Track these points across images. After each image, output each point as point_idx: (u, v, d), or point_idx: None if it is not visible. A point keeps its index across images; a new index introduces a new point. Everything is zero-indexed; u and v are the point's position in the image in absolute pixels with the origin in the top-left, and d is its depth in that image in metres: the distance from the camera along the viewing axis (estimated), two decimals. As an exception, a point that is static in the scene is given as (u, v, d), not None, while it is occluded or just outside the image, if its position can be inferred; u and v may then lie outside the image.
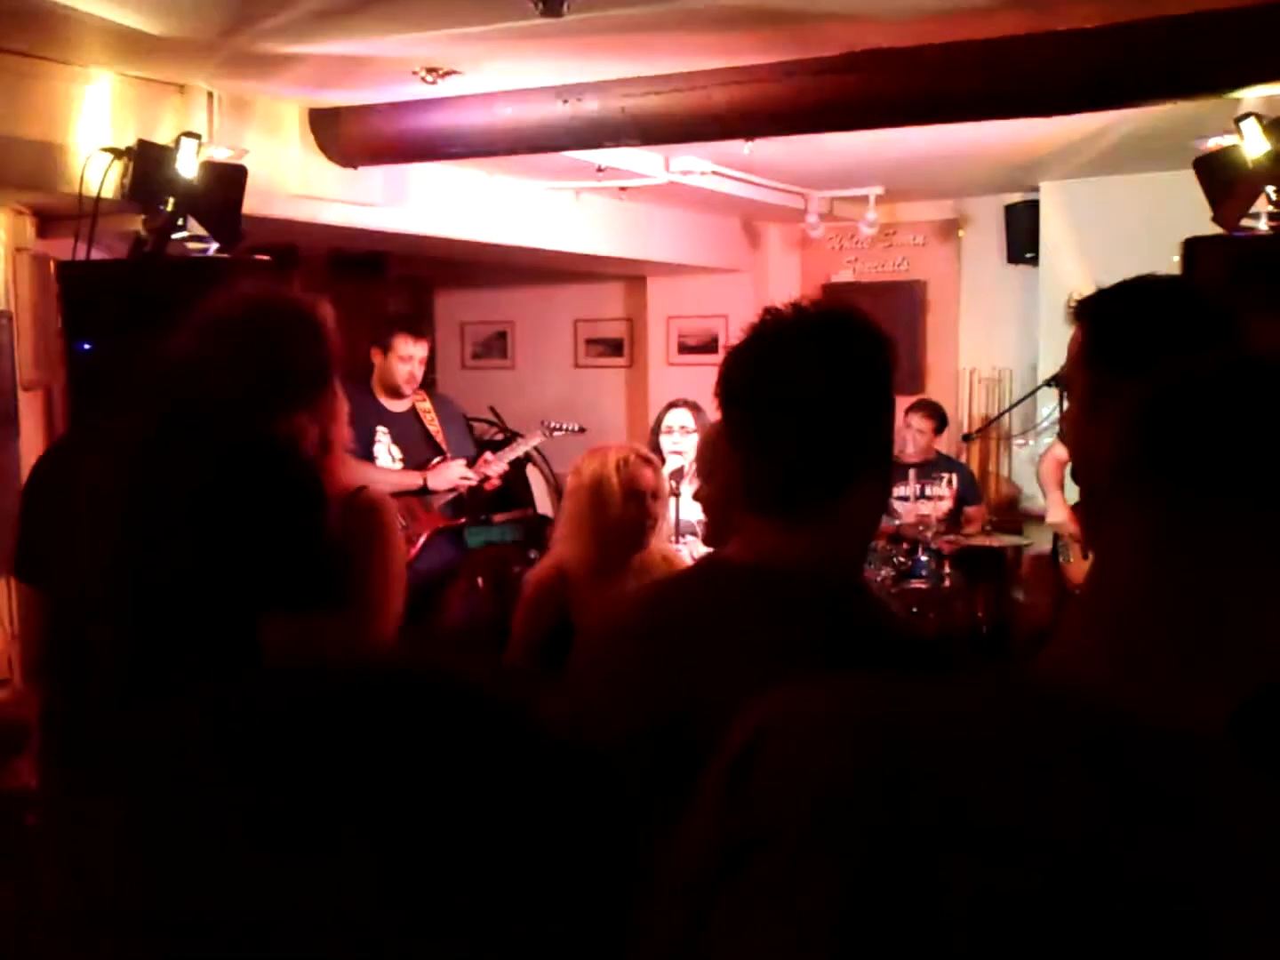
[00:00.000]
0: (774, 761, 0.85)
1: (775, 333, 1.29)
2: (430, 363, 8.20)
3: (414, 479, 4.37)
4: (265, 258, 3.64)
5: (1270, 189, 3.32)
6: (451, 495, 4.49)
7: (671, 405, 4.11)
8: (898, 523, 5.08)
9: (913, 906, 0.74)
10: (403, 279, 7.82)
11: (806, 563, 1.25)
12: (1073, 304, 1.53)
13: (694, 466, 3.57)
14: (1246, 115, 3.32)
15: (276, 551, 1.57)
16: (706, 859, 0.86)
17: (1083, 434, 1.47)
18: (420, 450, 4.47)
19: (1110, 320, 1.46)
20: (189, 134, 3.41)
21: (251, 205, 3.73)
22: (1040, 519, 5.29)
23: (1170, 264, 3.30)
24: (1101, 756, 0.78)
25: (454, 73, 3.69)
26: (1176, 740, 0.79)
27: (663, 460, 4.00)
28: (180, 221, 3.47)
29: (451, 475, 4.43)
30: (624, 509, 2.85)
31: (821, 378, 1.24)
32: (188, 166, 3.40)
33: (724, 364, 1.31)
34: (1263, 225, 3.40)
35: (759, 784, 0.85)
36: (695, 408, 4.04)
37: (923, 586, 4.88)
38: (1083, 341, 1.48)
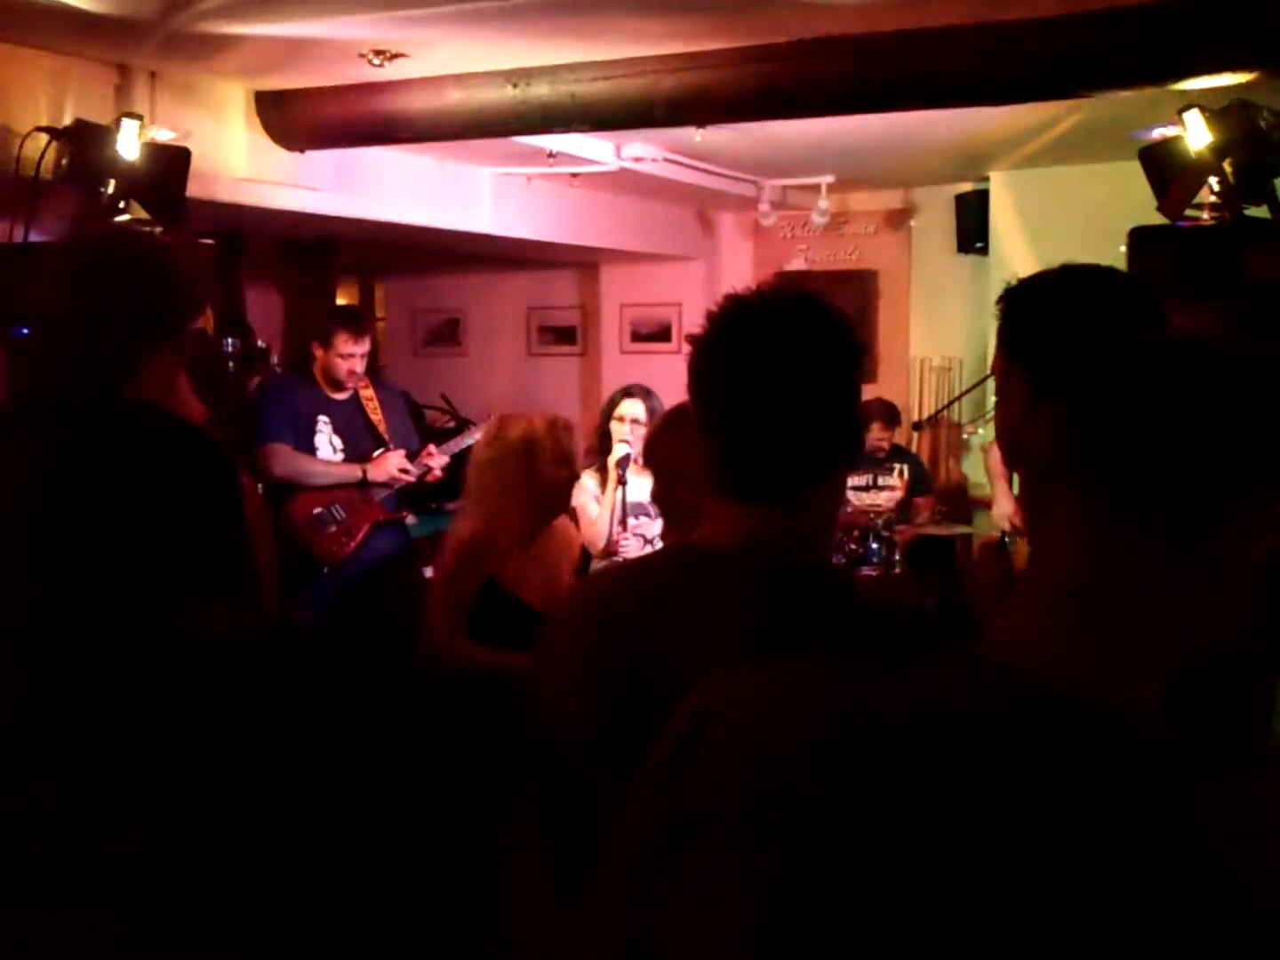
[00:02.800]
0: (718, 740, 0.85)
1: (748, 318, 1.29)
2: (381, 350, 8.16)
3: (353, 471, 4.32)
4: (209, 242, 3.58)
5: (1213, 180, 3.37)
6: (392, 488, 4.45)
7: (626, 394, 4.08)
8: (850, 511, 5.11)
9: (859, 887, 0.75)
10: (353, 265, 7.74)
11: (780, 546, 1.25)
12: None
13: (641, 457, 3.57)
14: (1189, 107, 3.36)
15: (196, 536, 1.50)
16: (650, 837, 0.85)
17: (1001, 421, 1.50)
18: (362, 440, 4.41)
19: (1013, 311, 1.50)
20: (130, 114, 3.35)
21: (196, 189, 3.68)
22: (989, 507, 5.34)
23: (1117, 253, 3.34)
24: (1043, 736, 0.79)
25: (401, 55, 3.65)
26: (1113, 718, 0.80)
27: (610, 447, 3.99)
28: (121, 204, 3.40)
29: (390, 468, 4.38)
30: (555, 471, 2.88)
31: (802, 363, 1.25)
32: (129, 148, 3.34)
33: (695, 349, 1.30)
34: (1206, 215, 3.44)
35: (702, 762, 0.84)
36: (648, 395, 4.01)
37: (873, 574, 4.92)
38: (997, 330, 1.52)
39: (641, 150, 4.97)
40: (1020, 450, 1.46)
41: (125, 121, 3.35)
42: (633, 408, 4.00)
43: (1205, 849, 0.76)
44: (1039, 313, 1.47)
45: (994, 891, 0.74)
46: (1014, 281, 1.53)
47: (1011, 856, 0.74)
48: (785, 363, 1.25)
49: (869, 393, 5.83)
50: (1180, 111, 3.39)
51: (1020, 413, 1.44)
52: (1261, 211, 3.39)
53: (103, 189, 3.35)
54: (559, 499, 2.96)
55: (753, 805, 0.80)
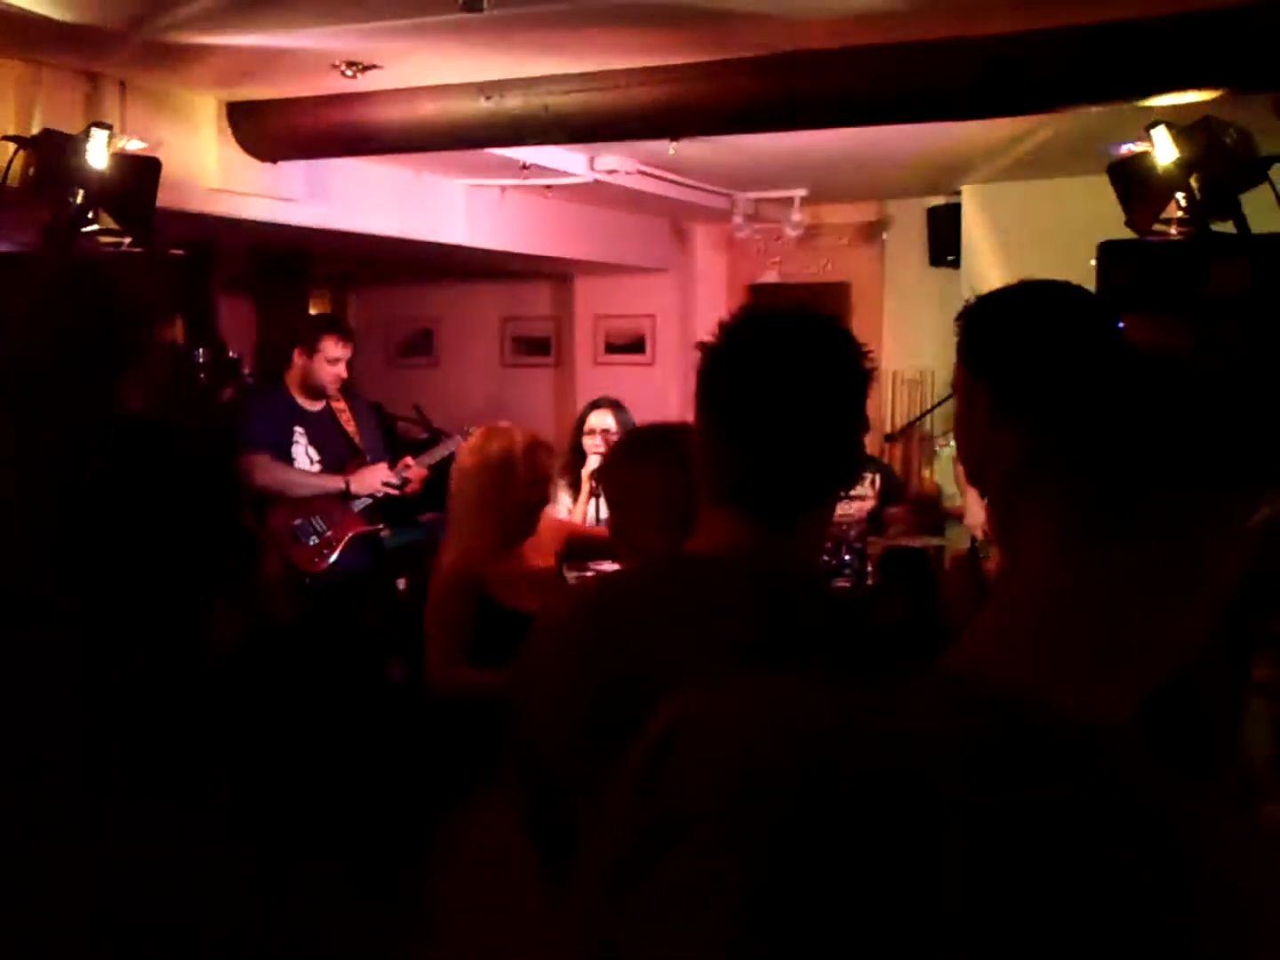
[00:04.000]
0: (691, 750, 0.84)
1: (769, 332, 1.28)
2: (353, 361, 8.15)
3: (336, 483, 4.32)
4: (179, 252, 3.56)
5: (1180, 195, 3.40)
6: (372, 500, 4.45)
7: (594, 405, 4.12)
8: (822, 522, 5.11)
9: (831, 895, 0.74)
10: (326, 276, 7.71)
11: (777, 559, 1.25)
12: None
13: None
14: (1157, 123, 3.39)
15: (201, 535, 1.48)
16: (622, 845, 0.85)
17: (961, 433, 1.50)
18: (338, 451, 4.42)
19: (974, 326, 1.50)
20: (99, 124, 3.32)
21: (167, 199, 3.65)
22: (961, 518, 5.36)
23: (1087, 267, 3.37)
24: (1020, 752, 0.79)
25: (375, 67, 3.65)
26: (1086, 732, 0.80)
27: (584, 459, 4.01)
28: (90, 214, 3.37)
29: (374, 481, 4.39)
30: (527, 492, 2.86)
31: (821, 382, 1.25)
32: (98, 158, 3.31)
33: (709, 357, 1.29)
34: (1173, 230, 3.47)
35: (674, 772, 0.84)
36: (618, 407, 4.05)
37: (846, 585, 4.92)
38: (957, 345, 1.52)
39: (615, 163, 4.98)
40: (984, 464, 1.47)
41: (94, 131, 3.32)
42: (602, 419, 4.03)
43: (1182, 863, 0.76)
44: (1000, 328, 1.48)
45: (971, 904, 0.74)
46: (972, 298, 1.54)
47: (987, 870, 0.74)
48: (805, 380, 1.25)
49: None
50: (1148, 128, 3.42)
51: (983, 427, 1.44)
52: (1227, 227, 3.43)
53: (71, 199, 3.32)
54: (528, 520, 2.94)
55: (728, 814, 0.80)
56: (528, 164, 4.81)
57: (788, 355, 1.26)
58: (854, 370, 1.28)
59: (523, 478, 2.87)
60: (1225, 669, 1.51)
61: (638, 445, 2.05)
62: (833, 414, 1.26)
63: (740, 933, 0.76)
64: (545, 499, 2.95)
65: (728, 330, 1.29)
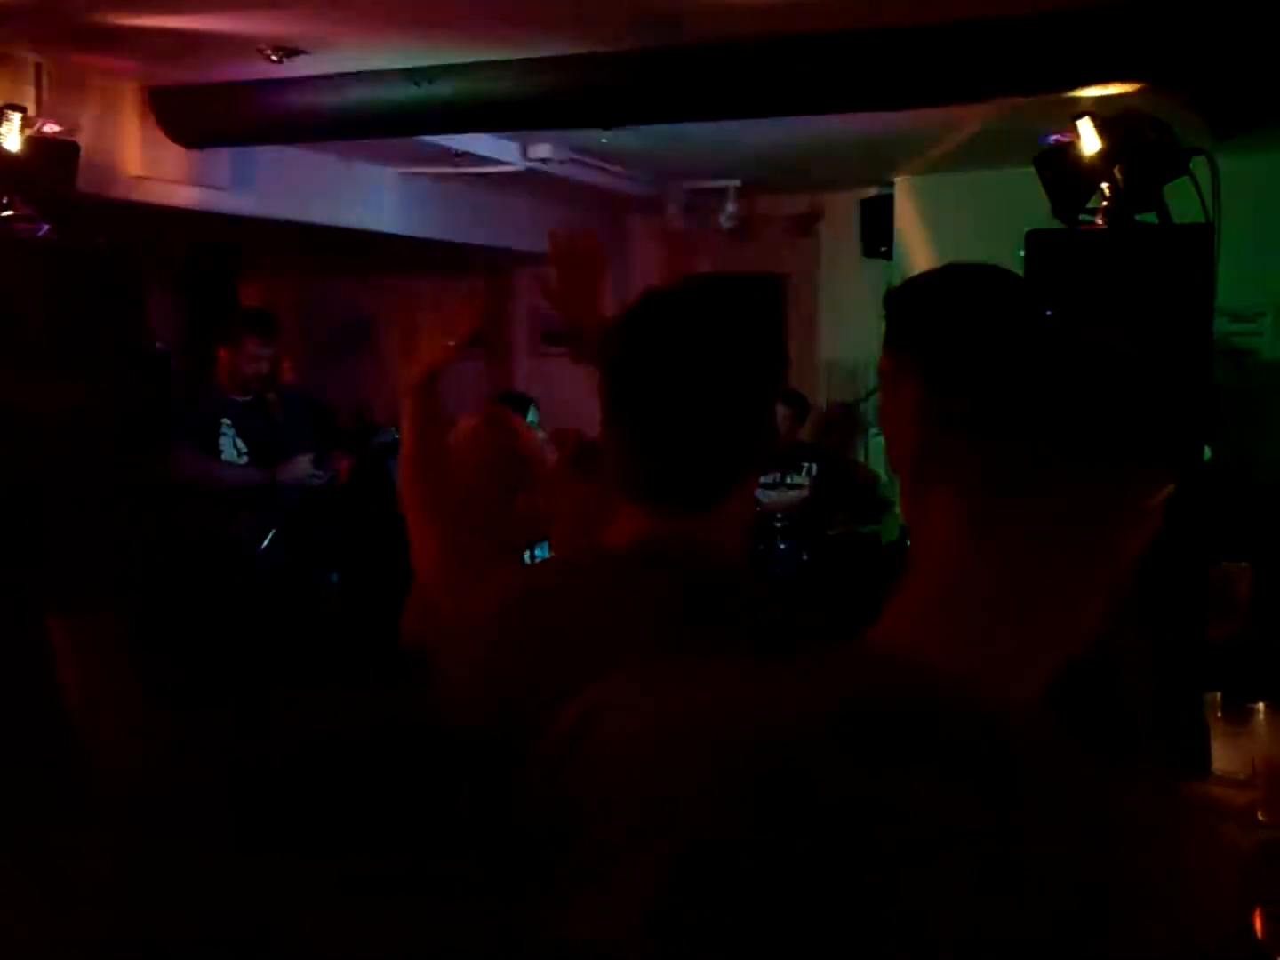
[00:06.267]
0: (604, 737, 0.83)
1: (665, 315, 1.25)
2: (286, 352, 8.04)
3: (261, 475, 4.26)
4: (102, 240, 3.48)
5: (1105, 185, 3.45)
6: (300, 491, 4.39)
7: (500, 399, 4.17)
8: (758, 510, 5.14)
9: (740, 884, 0.74)
10: (259, 268, 7.59)
11: (690, 549, 1.23)
12: None
13: None
14: (1082, 114, 3.43)
15: (58, 538, 1.34)
16: (533, 836, 0.84)
17: (885, 416, 1.49)
18: (267, 443, 4.36)
19: (894, 308, 1.49)
20: (13, 106, 3.23)
21: (88, 186, 3.57)
22: (894, 506, 5.42)
23: (1016, 256, 3.40)
24: (928, 736, 0.79)
25: (301, 52, 3.59)
26: (993, 715, 0.80)
27: None
28: (5, 200, 3.28)
29: (299, 472, 4.33)
30: (476, 478, 2.69)
31: (720, 366, 1.21)
32: (11, 141, 3.22)
33: (610, 347, 1.26)
34: (1098, 220, 3.52)
35: (587, 759, 0.83)
36: (521, 403, 4.08)
37: (780, 574, 4.95)
38: (886, 331, 1.51)
39: (547, 151, 4.95)
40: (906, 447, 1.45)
41: (8, 113, 3.23)
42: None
43: (1089, 848, 0.76)
44: (924, 309, 1.46)
45: (879, 892, 0.73)
46: (898, 283, 1.52)
47: (894, 857, 0.74)
48: (702, 365, 1.21)
49: (777, 395, 5.87)
50: (1073, 119, 3.46)
51: (913, 410, 1.42)
52: (1151, 218, 3.49)
53: (-17, 183, 3.24)
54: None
55: (645, 796, 0.79)
56: (460, 152, 4.77)
57: (681, 338, 1.22)
58: (753, 350, 1.25)
59: (468, 464, 2.59)
60: (1143, 656, 1.53)
61: None
62: (732, 397, 1.22)
63: (662, 912, 0.75)
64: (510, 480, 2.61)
65: (626, 313, 1.26)
